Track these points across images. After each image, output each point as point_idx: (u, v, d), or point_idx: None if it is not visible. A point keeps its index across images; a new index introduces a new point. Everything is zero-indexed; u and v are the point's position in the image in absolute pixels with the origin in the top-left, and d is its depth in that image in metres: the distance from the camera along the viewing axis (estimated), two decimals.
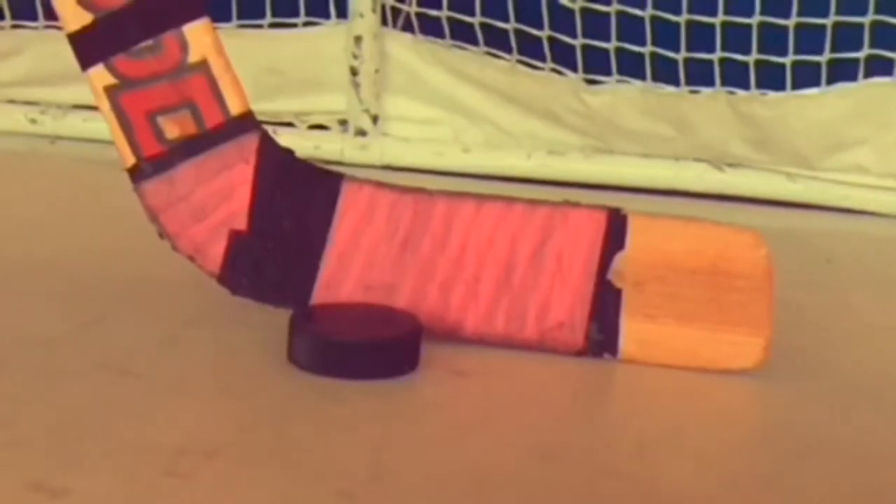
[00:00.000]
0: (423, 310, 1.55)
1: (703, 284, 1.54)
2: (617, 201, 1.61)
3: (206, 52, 1.56)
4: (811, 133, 2.29)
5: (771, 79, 2.29)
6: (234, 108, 1.57)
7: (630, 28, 2.30)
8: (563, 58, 2.33)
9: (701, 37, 2.28)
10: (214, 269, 1.57)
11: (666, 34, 2.29)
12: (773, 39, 2.26)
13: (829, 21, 2.23)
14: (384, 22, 2.37)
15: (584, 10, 2.29)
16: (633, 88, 2.33)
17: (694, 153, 2.33)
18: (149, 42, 1.55)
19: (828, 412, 1.47)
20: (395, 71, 2.39)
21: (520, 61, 2.36)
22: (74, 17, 1.54)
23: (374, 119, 2.39)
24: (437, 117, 2.40)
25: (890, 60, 2.26)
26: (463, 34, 2.36)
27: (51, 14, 2.23)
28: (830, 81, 2.28)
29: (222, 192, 1.56)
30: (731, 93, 2.30)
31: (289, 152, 1.60)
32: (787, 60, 2.26)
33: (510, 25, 2.33)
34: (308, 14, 2.41)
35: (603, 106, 2.34)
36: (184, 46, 1.55)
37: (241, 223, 1.56)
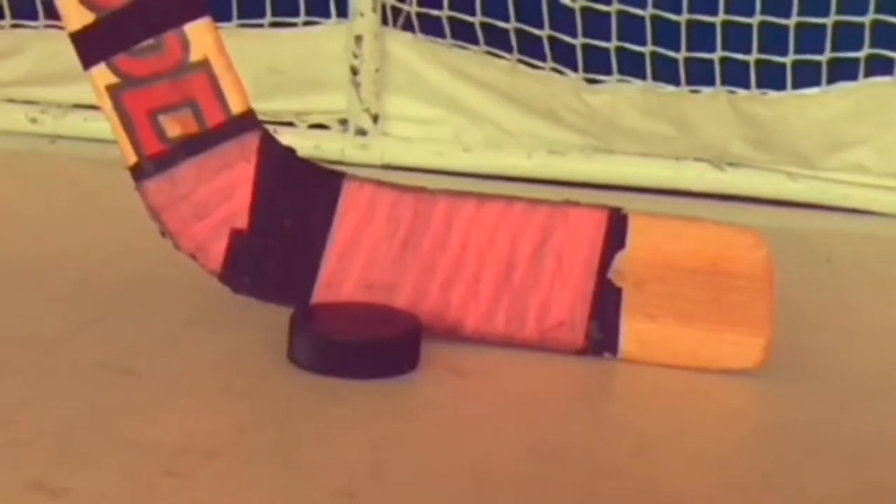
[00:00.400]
0: (424, 309, 1.55)
1: (703, 284, 1.54)
2: (617, 201, 1.61)
3: (207, 51, 1.56)
4: (811, 132, 2.29)
5: (771, 78, 2.29)
6: (236, 106, 1.57)
7: (630, 27, 2.30)
8: (564, 57, 2.33)
9: (701, 36, 2.28)
10: (216, 267, 1.57)
11: (666, 34, 2.29)
12: (773, 39, 2.26)
13: (829, 21, 2.23)
14: (384, 21, 2.37)
15: (584, 10, 2.29)
16: (634, 88, 2.33)
17: (694, 153, 2.33)
18: (150, 41, 1.55)
19: (828, 412, 1.47)
20: (396, 70, 2.39)
21: (520, 61, 2.36)
22: (76, 17, 1.54)
23: (375, 118, 2.39)
24: (438, 117, 2.40)
25: (890, 60, 2.26)
26: (463, 34, 2.36)
27: (51, 13, 2.24)
28: (831, 81, 2.28)
29: (223, 190, 1.56)
30: (732, 92, 2.31)
31: (290, 151, 1.60)
32: (788, 60, 2.26)
33: (510, 25, 2.33)
34: (308, 13, 2.41)
35: (603, 105, 2.34)
36: (185, 45, 1.55)
37: (243, 222, 1.57)
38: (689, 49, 2.29)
